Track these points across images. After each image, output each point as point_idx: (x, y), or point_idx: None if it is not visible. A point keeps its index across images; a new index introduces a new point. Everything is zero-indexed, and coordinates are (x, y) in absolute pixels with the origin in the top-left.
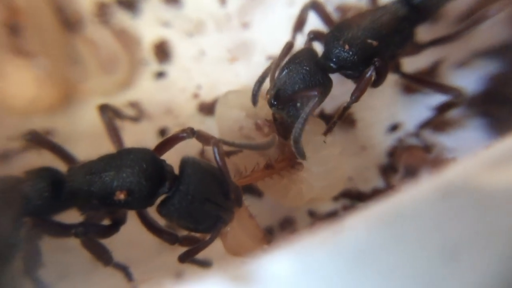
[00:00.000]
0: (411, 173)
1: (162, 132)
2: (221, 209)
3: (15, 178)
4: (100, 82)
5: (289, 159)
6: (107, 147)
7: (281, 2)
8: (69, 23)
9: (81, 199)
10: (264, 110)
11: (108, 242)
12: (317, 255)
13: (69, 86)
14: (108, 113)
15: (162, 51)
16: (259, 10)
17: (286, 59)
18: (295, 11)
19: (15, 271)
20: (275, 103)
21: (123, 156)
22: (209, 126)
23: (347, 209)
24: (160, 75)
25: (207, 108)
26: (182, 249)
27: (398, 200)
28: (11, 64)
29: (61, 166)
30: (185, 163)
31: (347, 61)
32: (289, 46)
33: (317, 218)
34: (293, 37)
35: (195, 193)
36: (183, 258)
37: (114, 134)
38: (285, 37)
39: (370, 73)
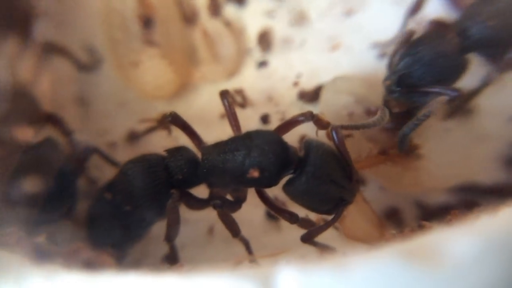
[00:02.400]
0: None
1: (264, 118)
2: (344, 191)
3: (159, 156)
4: (211, 70)
5: None
6: (214, 130)
7: None
8: (187, 16)
9: (214, 175)
10: (374, 95)
11: (218, 220)
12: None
13: (187, 74)
14: (228, 98)
15: (265, 41)
16: None
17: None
18: None
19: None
20: (397, 89)
21: (253, 137)
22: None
23: (463, 203)
24: (262, 64)
25: (307, 96)
26: (287, 232)
27: None
28: (145, 54)
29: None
30: (309, 145)
31: (489, 38)
32: (412, 33)
33: (426, 210)
34: (405, 23)
35: (321, 174)
36: (305, 238)
37: (233, 117)
38: (391, 24)
39: None
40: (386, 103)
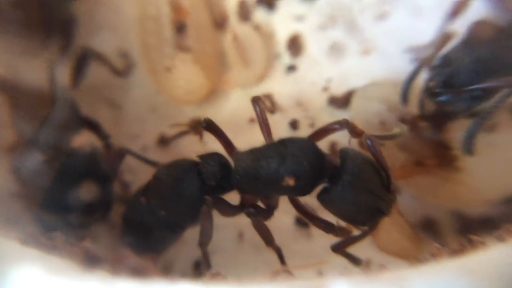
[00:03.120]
0: None
1: (293, 124)
2: (381, 202)
3: (192, 161)
4: (240, 74)
5: (442, 157)
6: (243, 135)
7: None
8: (217, 20)
9: (247, 182)
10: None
11: (248, 226)
12: None
13: (217, 79)
14: (260, 104)
15: (295, 45)
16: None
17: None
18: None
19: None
20: (441, 91)
21: (288, 144)
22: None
23: (508, 216)
24: (291, 68)
25: (338, 101)
26: (317, 240)
27: None
28: (178, 59)
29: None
30: (346, 153)
31: None
32: (449, 36)
33: (467, 222)
34: (444, 26)
35: (358, 184)
36: (337, 248)
37: (265, 124)
38: (426, 28)
39: None
40: (423, 110)
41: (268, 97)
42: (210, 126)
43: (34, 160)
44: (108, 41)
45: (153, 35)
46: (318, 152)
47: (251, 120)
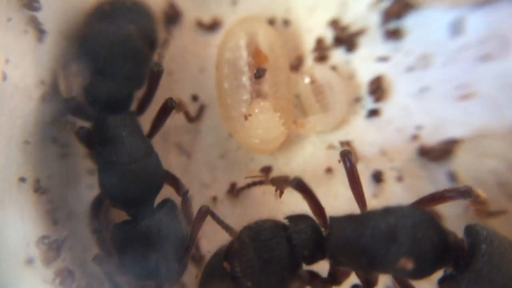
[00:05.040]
0: None
1: (376, 176)
2: None
3: (279, 224)
4: (317, 119)
5: None
6: (319, 186)
7: None
8: (293, 63)
9: (346, 254)
10: None
11: None
12: None
13: (293, 125)
14: (351, 158)
15: (378, 88)
16: (506, 39)
17: None
18: None
19: None
20: None
21: (397, 215)
22: (434, 174)
23: None
24: (374, 113)
25: (432, 153)
26: None
27: None
28: (257, 105)
29: None
30: (477, 233)
31: None
32: None
33: None
34: None
35: (496, 275)
36: None
37: (355, 180)
38: None
39: None
40: None
41: (348, 144)
42: (300, 186)
43: None
44: (184, 87)
45: (230, 80)
46: (439, 229)
47: (328, 170)
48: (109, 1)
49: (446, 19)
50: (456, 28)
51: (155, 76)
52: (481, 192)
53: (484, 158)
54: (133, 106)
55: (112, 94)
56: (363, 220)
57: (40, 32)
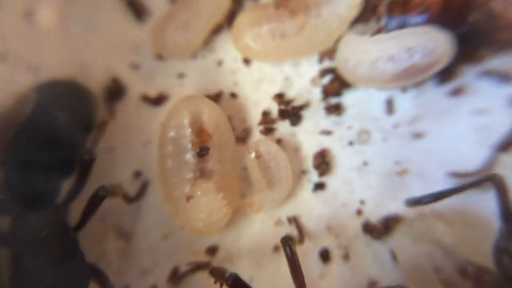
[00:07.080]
0: None
1: (324, 254)
2: None
3: None
4: (264, 199)
5: None
6: (267, 266)
7: (465, 110)
8: (238, 136)
9: None
10: (467, 246)
11: None
12: None
13: (239, 203)
14: (291, 244)
15: (323, 162)
16: (435, 119)
17: None
18: (485, 121)
19: None
20: None
21: None
22: (378, 253)
23: None
24: (320, 186)
25: (375, 231)
26: None
27: None
28: (199, 187)
29: None
30: None
31: None
32: None
33: None
34: (492, 158)
35: None
36: None
37: (296, 268)
38: (472, 151)
39: None
40: (501, 267)
41: (295, 220)
42: (236, 283)
43: None
44: (124, 167)
45: (173, 158)
46: None
47: (276, 249)
48: (40, 87)
49: (382, 97)
50: (390, 106)
51: (86, 164)
52: None
53: (417, 242)
54: (61, 197)
55: (32, 188)
56: None
57: None
